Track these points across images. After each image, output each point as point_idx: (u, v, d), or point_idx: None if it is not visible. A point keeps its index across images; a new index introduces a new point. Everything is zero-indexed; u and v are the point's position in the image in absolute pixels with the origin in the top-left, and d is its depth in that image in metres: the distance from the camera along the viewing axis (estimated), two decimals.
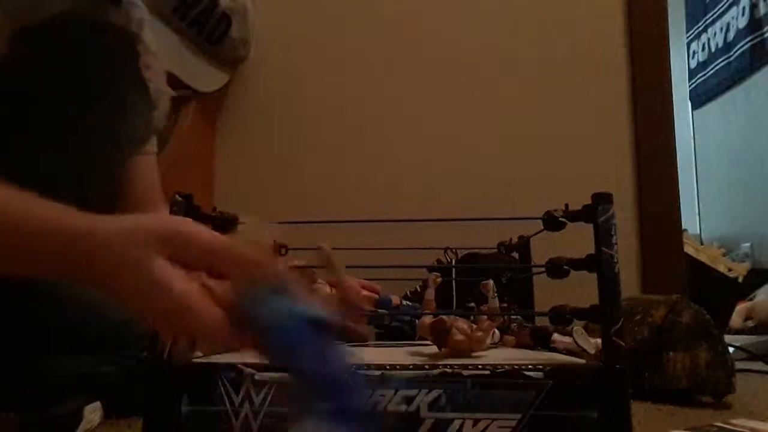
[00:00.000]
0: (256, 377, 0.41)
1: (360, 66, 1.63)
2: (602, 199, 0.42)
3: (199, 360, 0.45)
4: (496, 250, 0.85)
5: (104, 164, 0.74)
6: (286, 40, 1.64)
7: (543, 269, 0.45)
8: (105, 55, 0.69)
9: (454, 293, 1.01)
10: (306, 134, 1.60)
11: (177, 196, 0.46)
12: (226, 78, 1.51)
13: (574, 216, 0.44)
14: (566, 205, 0.44)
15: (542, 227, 0.49)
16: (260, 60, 1.60)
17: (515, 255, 0.83)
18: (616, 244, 0.42)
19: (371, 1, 1.66)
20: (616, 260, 0.42)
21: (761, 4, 2.51)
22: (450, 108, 1.60)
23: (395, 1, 1.66)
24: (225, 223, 0.50)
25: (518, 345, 0.68)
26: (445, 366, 0.40)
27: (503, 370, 0.40)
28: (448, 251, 1.22)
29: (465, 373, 0.40)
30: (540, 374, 0.40)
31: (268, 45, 1.60)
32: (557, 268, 0.44)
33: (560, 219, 0.44)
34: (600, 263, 0.42)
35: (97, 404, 0.71)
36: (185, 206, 0.45)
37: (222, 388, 0.41)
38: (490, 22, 1.63)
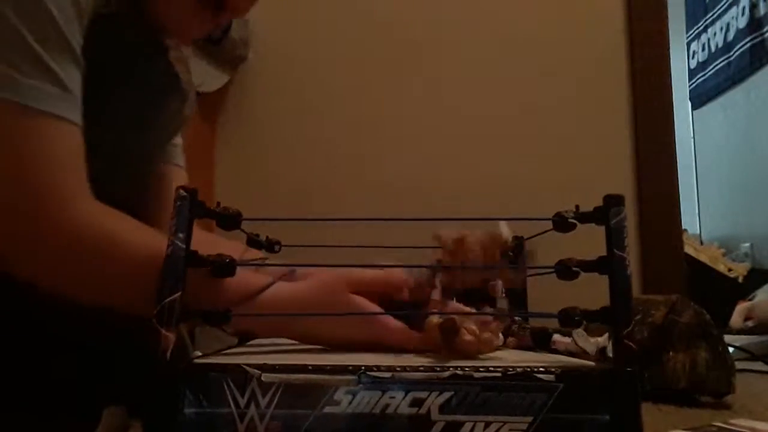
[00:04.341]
0: (263, 378, 0.40)
1: (360, 65, 1.63)
2: (614, 201, 0.41)
3: (202, 360, 0.44)
4: None
5: (138, 156, 0.74)
6: (286, 40, 1.63)
7: (552, 270, 0.45)
8: (139, 47, 0.69)
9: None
10: (305, 134, 1.59)
11: (181, 190, 0.44)
12: (226, 78, 1.51)
13: (585, 217, 0.43)
14: (577, 207, 0.44)
15: (545, 228, 0.48)
16: (260, 60, 1.59)
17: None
18: (627, 246, 0.41)
19: (371, 2, 1.66)
20: (628, 262, 0.41)
21: (761, 4, 2.51)
22: (449, 108, 1.60)
23: (395, 1, 1.66)
24: (227, 219, 0.49)
25: (518, 346, 0.68)
26: (455, 368, 0.40)
27: (514, 372, 0.40)
28: None
29: (476, 375, 0.40)
30: (551, 377, 0.39)
31: (268, 45, 1.60)
32: (567, 270, 0.44)
33: (570, 220, 0.44)
34: (612, 265, 0.41)
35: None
36: (189, 201, 0.44)
37: (227, 390, 0.40)
38: (490, 22, 1.63)
